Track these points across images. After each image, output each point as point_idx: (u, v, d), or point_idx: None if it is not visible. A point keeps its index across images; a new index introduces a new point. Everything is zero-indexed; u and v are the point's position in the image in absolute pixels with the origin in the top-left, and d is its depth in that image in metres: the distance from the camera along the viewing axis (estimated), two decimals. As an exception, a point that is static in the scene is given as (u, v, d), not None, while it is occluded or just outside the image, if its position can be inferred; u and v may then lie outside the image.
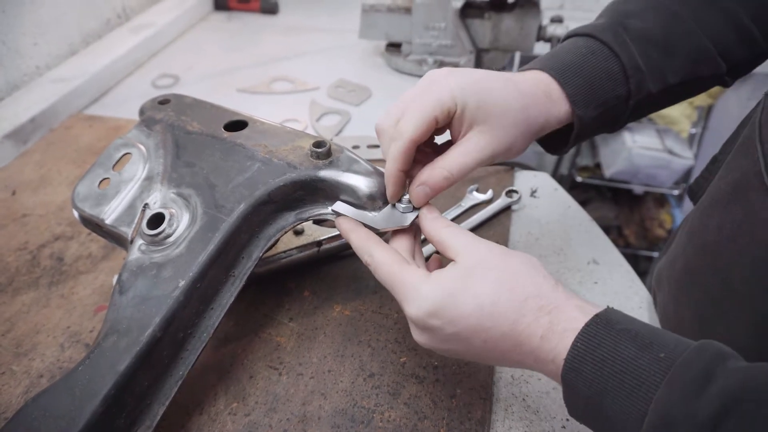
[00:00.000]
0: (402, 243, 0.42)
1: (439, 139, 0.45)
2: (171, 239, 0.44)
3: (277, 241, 0.47)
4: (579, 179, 1.76)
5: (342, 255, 0.59)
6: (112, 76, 1.00)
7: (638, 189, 1.76)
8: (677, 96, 0.48)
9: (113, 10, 1.11)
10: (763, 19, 0.45)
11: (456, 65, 0.99)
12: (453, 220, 0.64)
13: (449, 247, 0.38)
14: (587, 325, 0.32)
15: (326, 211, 0.45)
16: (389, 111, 0.42)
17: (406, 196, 0.43)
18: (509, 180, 0.71)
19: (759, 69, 0.49)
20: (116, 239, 0.49)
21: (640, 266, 1.75)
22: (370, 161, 0.46)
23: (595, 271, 0.60)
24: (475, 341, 0.35)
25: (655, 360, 0.29)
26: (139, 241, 0.45)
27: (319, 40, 1.16)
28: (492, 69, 0.45)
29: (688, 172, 1.65)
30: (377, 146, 0.78)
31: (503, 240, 0.62)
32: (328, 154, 0.45)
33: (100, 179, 0.50)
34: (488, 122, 0.40)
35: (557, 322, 0.33)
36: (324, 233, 0.57)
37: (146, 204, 0.47)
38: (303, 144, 0.47)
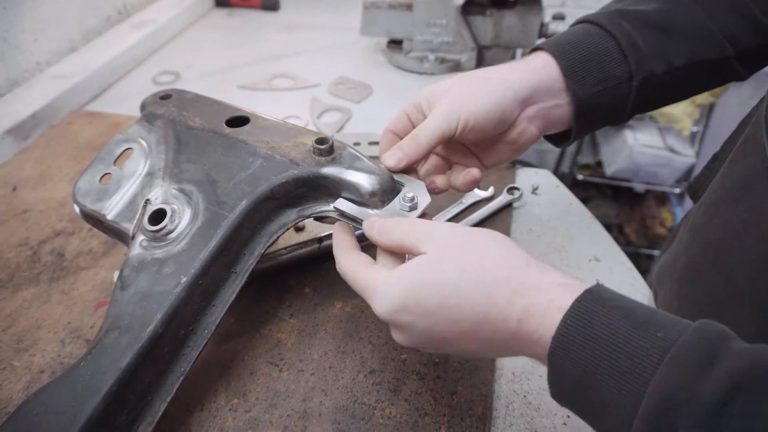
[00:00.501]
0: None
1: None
2: (173, 235, 0.44)
3: (278, 237, 0.47)
4: (580, 177, 1.76)
5: (343, 252, 0.59)
6: (113, 73, 0.99)
7: (639, 187, 1.76)
8: (688, 84, 0.47)
9: (114, 7, 1.11)
10: None
11: (457, 62, 0.98)
12: (454, 217, 0.64)
13: (407, 246, 0.37)
14: (578, 300, 0.30)
15: (328, 208, 0.45)
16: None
17: (409, 194, 0.42)
18: (510, 177, 0.71)
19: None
20: (117, 235, 0.49)
21: (641, 264, 1.75)
22: (372, 158, 0.46)
23: (596, 268, 0.60)
24: (450, 334, 0.34)
25: (652, 339, 0.27)
26: (141, 237, 0.45)
27: (320, 37, 1.16)
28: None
29: (690, 171, 1.65)
30: (378, 143, 0.78)
31: (505, 237, 0.62)
32: (331, 150, 0.45)
33: (102, 174, 0.50)
34: (449, 93, 0.44)
35: (535, 303, 0.32)
36: (325, 230, 0.57)
37: (148, 200, 0.47)
38: (305, 140, 0.47)
